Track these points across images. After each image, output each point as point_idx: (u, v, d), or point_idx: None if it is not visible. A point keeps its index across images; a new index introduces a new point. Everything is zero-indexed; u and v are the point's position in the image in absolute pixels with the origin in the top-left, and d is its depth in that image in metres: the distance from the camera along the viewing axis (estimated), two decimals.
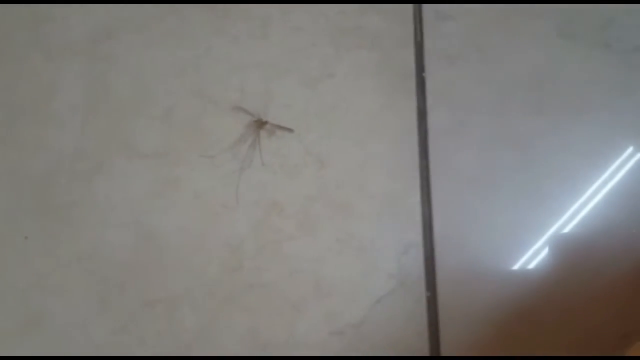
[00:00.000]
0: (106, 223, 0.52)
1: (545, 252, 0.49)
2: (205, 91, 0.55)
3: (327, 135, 0.53)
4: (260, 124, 0.53)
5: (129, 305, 0.50)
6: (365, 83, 0.54)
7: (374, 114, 0.53)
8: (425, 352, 0.48)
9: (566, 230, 0.50)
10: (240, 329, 0.49)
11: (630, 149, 0.52)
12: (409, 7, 0.55)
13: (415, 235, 0.49)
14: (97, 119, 0.55)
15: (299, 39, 0.56)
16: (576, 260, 0.49)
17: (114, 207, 0.53)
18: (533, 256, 0.49)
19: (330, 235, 0.50)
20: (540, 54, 0.53)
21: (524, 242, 0.50)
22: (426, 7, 0.55)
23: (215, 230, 0.51)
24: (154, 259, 0.51)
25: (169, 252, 0.51)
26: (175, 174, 0.53)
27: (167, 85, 0.56)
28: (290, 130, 0.53)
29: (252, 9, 0.57)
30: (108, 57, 0.57)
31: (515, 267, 0.49)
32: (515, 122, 0.51)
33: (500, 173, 0.50)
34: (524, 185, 0.50)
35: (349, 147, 0.53)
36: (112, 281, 0.51)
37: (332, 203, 0.51)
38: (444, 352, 0.48)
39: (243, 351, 0.49)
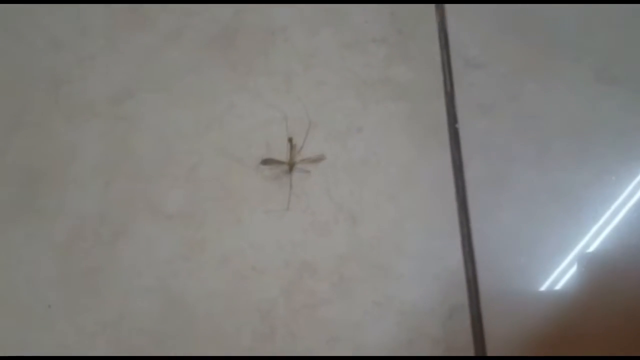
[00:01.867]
0: (131, 289, 0.50)
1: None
2: (230, 149, 0.54)
3: (358, 191, 0.51)
4: (290, 166, 0.52)
5: None
6: (396, 136, 0.52)
7: (406, 167, 0.51)
8: None
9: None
10: None
11: None
12: (437, 57, 0.54)
13: (460, 297, 0.46)
14: (120, 180, 0.54)
15: (324, 93, 0.55)
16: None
17: (139, 273, 0.51)
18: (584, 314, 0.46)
19: (367, 298, 0.48)
20: (578, 100, 0.51)
21: (579, 301, 0.46)
22: (455, 56, 0.53)
23: (245, 295, 0.49)
24: (182, 327, 0.49)
25: (197, 319, 0.49)
26: (201, 236, 0.51)
27: (190, 144, 0.55)
28: (321, 158, 0.52)
29: (274, 64, 0.56)
30: (129, 117, 0.57)
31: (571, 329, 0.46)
32: (556, 173, 0.49)
33: (545, 226, 0.48)
34: (572, 240, 0.47)
35: (381, 202, 0.50)
36: (139, 352, 0.48)
37: (367, 263, 0.49)
38: None
39: None
